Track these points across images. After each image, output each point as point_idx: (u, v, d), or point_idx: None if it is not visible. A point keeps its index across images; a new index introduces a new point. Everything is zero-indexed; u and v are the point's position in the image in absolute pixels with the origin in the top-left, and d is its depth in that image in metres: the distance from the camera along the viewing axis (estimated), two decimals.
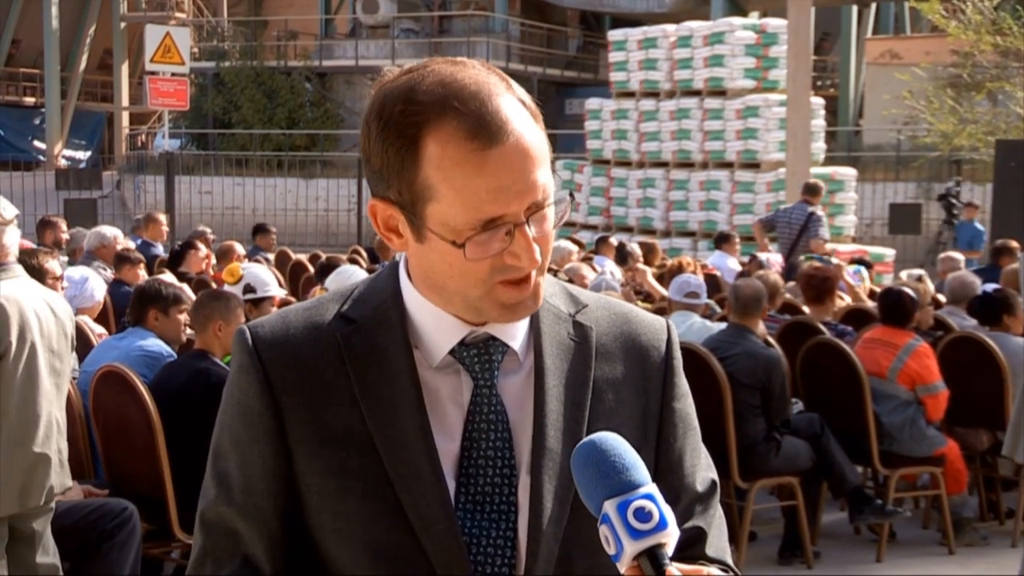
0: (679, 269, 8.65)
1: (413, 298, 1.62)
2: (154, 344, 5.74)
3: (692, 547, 1.64)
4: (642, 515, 1.39)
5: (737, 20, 19.43)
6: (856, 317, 8.36)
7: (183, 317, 5.89)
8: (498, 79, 1.55)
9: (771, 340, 6.97)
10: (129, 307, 6.08)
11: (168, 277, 8.81)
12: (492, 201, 1.49)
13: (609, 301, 1.74)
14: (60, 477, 4.32)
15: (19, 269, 4.32)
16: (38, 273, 5.52)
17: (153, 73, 20.23)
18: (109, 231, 10.11)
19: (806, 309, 8.17)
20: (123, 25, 37.98)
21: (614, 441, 1.45)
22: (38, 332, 4.20)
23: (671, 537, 1.40)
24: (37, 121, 39.46)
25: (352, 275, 6.97)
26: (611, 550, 1.41)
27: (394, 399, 1.58)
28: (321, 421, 1.58)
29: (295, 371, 1.59)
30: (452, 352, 1.60)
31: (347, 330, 1.61)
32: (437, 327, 1.60)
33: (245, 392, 1.61)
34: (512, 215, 1.50)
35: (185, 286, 9.39)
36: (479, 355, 1.60)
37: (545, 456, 1.59)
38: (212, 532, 1.63)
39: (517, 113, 1.52)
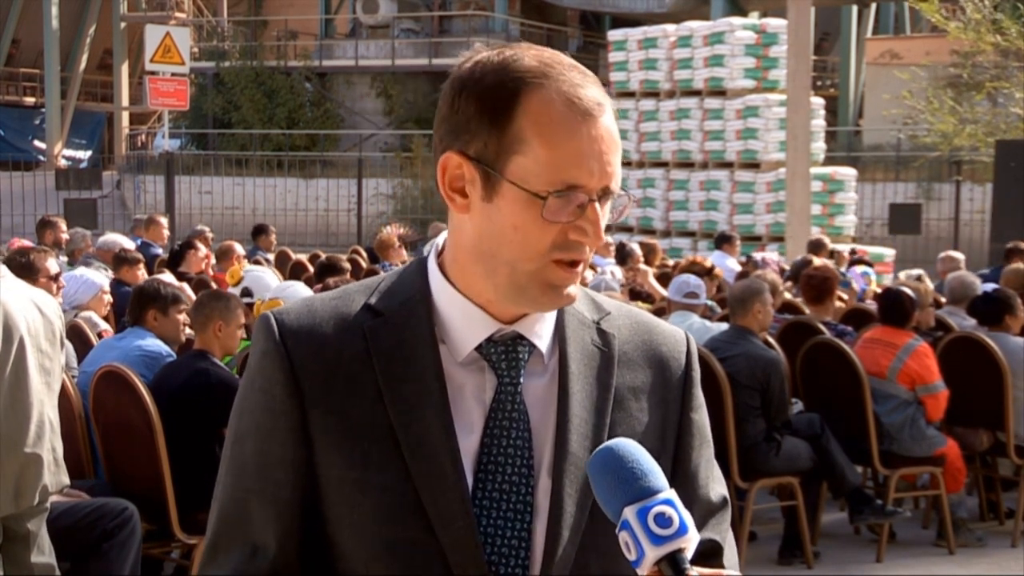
0: (702, 271, 8.56)
1: (443, 291, 1.62)
2: (153, 344, 5.73)
3: (709, 560, 1.64)
4: (663, 520, 1.40)
5: (737, 20, 19.41)
6: (856, 317, 8.36)
7: (182, 317, 5.89)
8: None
9: (771, 340, 6.97)
10: (128, 307, 6.08)
11: (168, 277, 8.83)
12: (578, 167, 1.52)
13: (631, 310, 1.75)
14: (55, 476, 4.30)
15: (4, 269, 4.31)
16: (29, 270, 5.51)
17: (153, 73, 20.24)
18: (123, 240, 10.30)
19: (806, 309, 8.17)
20: (123, 25, 37.97)
21: (631, 447, 1.46)
22: (26, 331, 4.17)
23: (691, 542, 1.41)
24: (37, 121, 39.47)
25: (294, 289, 6.95)
26: (632, 556, 1.41)
27: (419, 395, 1.57)
28: (344, 412, 1.57)
29: (320, 360, 1.58)
30: (479, 348, 1.60)
31: (374, 322, 1.61)
32: (465, 322, 1.60)
33: (268, 379, 1.59)
34: (590, 188, 1.53)
35: (185, 285, 9.42)
36: (506, 353, 1.60)
37: (567, 460, 1.59)
38: (225, 518, 1.62)
39: (607, 100, 1.57)
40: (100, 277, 7.49)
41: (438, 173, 1.59)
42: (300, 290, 6.83)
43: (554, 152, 1.51)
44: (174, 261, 10.50)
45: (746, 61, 18.05)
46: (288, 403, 1.58)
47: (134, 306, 5.95)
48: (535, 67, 1.55)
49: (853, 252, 13.74)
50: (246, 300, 6.77)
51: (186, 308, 5.91)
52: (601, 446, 1.48)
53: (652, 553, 1.39)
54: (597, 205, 1.54)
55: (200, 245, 10.77)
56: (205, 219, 20.51)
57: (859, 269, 11.03)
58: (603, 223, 1.56)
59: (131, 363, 5.45)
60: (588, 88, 1.55)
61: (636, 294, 9.70)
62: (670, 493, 1.43)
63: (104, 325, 7.22)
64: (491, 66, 1.56)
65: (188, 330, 5.93)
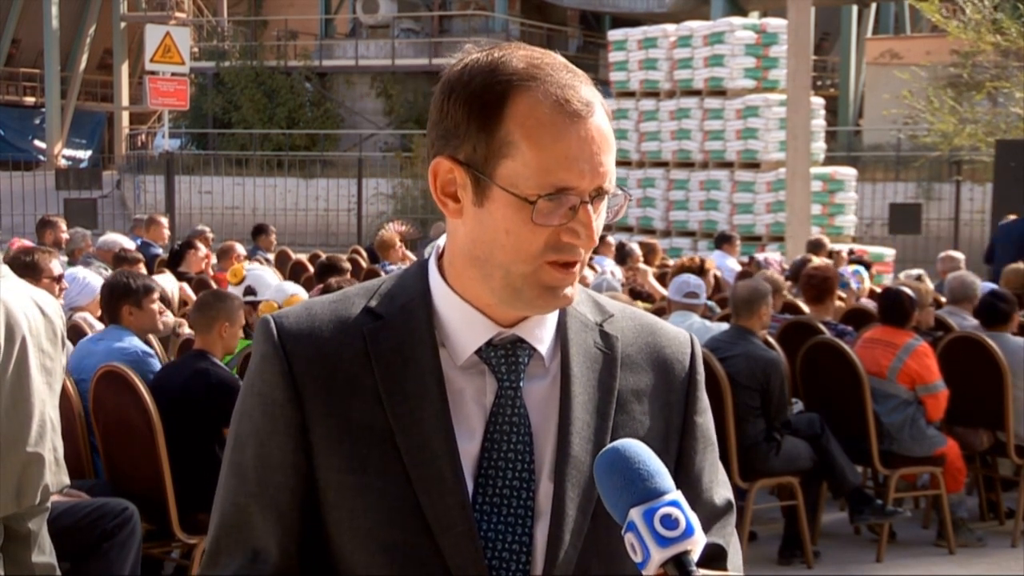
0: (696, 269, 8.53)
1: (443, 295, 1.61)
2: (130, 344, 5.65)
3: (712, 564, 1.63)
4: (669, 522, 1.40)
5: (737, 20, 19.41)
6: (856, 317, 8.36)
7: (156, 306, 5.83)
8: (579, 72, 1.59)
9: (771, 340, 6.97)
10: (102, 306, 5.99)
11: (168, 277, 8.83)
12: (568, 169, 1.51)
13: (634, 312, 1.73)
14: (56, 476, 4.30)
15: (5, 269, 4.31)
16: (33, 271, 5.50)
17: (153, 73, 20.25)
18: (123, 240, 10.29)
19: (806, 309, 8.17)
20: (123, 25, 37.96)
21: (638, 448, 1.45)
22: (28, 331, 4.17)
23: (698, 544, 1.41)
24: (37, 121, 39.47)
25: (287, 288, 6.96)
26: (637, 558, 1.40)
27: (418, 398, 1.57)
28: (343, 416, 1.57)
29: (319, 364, 1.58)
30: (479, 352, 1.59)
31: (374, 326, 1.60)
32: (465, 325, 1.59)
33: (267, 383, 1.59)
34: (581, 190, 1.52)
35: (185, 285, 9.43)
36: (506, 356, 1.59)
37: (569, 463, 1.58)
38: (226, 523, 1.61)
39: (598, 99, 1.56)
40: (98, 280, 7.48)
41: (430, 178, 1.58)
42: (290, 290, 6.85)
43: (542, 155, 1.50)
44: (174, 261, 10.51)
45: (746, 61, 18.05)
46: (287, 406, 1.57)
47: (107, 304, 5.85)
48: (523, 69, 1.53)
49: (851, 252, 13.74)
50: (250, 299, 6.76)
51: (159, 296, 5.86)
52: (607, 447, 1.47)
53: (658, 555, 1.39)
54: (589, 207, 1.52)
55: (200, 245, 10.78)
56: (205, 219, 20.51)
57: (850, 268, 11.03)
58: (598, 224, 1.55)
59: None
60: (578, 88, 1.54)
61: (636, 294, 9.70)
62: (677, 495, 1.42)
63: (99, 325, 7.22)
64: (479, 68, 1.55)
65: (187, 329, 5.91)
